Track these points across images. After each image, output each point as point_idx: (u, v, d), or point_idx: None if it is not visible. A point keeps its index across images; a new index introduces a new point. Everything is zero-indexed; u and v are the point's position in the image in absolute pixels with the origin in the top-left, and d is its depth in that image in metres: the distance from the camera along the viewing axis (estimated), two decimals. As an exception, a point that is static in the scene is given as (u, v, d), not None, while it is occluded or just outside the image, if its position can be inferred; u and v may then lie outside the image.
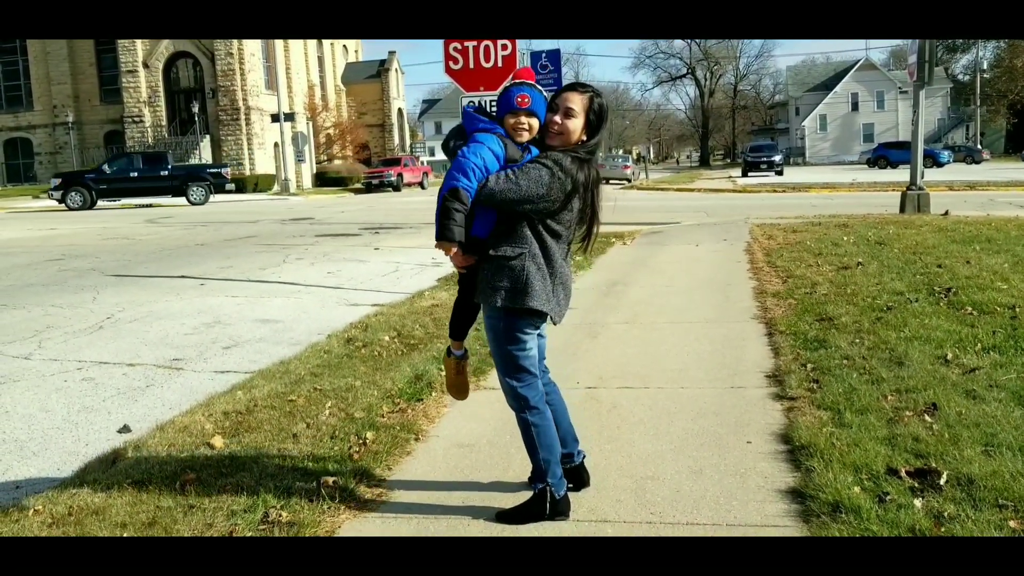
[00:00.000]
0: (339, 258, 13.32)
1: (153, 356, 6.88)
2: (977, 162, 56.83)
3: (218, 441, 4.36)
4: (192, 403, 5.33)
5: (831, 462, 3.56)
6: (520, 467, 3.96)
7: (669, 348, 6.19)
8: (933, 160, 48.17)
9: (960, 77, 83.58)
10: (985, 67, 76.12)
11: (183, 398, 5.63)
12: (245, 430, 4.54)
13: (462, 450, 4.22)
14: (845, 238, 11.45)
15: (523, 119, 3.23)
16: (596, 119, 3.27)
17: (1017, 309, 6.18)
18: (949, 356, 5.08)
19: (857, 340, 5.71)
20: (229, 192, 36.58)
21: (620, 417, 4.63)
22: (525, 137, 3.26)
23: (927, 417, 4.03)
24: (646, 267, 10.34)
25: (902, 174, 40.28)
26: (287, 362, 6.17)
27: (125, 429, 4.98)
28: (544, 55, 13.00)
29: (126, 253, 15.10)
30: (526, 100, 3.21)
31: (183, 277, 11.49)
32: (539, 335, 3.46)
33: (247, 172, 48.03)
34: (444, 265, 11.93)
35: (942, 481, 3.27)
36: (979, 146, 64.06)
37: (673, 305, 7.83)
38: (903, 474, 3.38)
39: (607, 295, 8.36)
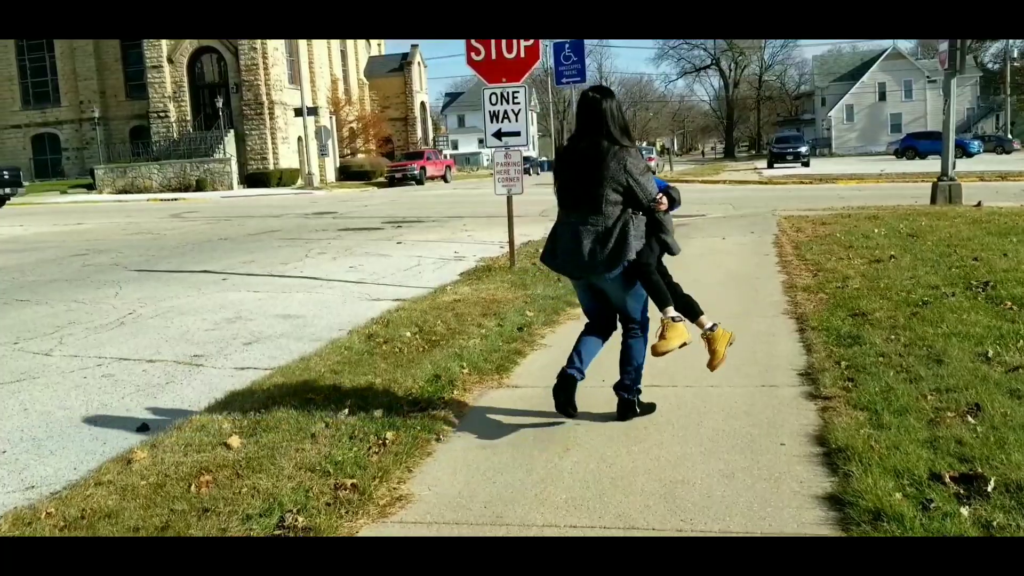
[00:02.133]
0: (361, 252, 13.25)
1: (173, 352, 6.82)
2: (1008, 152, 55.82)
3: (235, 441, 4.27)
4: (211, 400, 5.25)
5: (870, 466, 3.40)
6: (543, 468, 3.84)
7: (697, 344, 6.00)
8: (963, 150, 47.30)
9: (990, 66, 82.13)
10: (1015, 55, 74.70)
11: (202, 395, 5.55)
12: (263, 429, 4.44)
13: (484, 451, 4.10)
14: (876, 230, 11.19)
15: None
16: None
17: (1060, 304, 5.96)
18: (990, 353, 4.88)
19: (892, 336, 5.52)
20: (6, 197, 32.00)
21: (648, 417, 4.48)
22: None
23: (970, 418, 3.85)
24: (672, 261, 10.12)
25: (931, 165, 39.66)
26: (307, 359, 6.08)
27: (143, 428, 4.90)
28: (567, 45, 12.83)
29: (149, 248, 15.13)
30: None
31: (205, 272, 11.46)
32: (599, 292, 4.52)
33: (271, 166, 48.22)
34: (467, 259, 11.83)
35: (989, 488, 3.10)
36: (1009, 136, 62.86)
37: (700, 300, 7.60)
38: (947, 480, 3.21)
39: (632, 289, 8.20)
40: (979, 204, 15.63)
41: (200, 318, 8.23)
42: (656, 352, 4.23)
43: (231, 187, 44.82)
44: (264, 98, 48.81)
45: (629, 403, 4.51)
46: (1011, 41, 73.21)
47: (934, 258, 8.44)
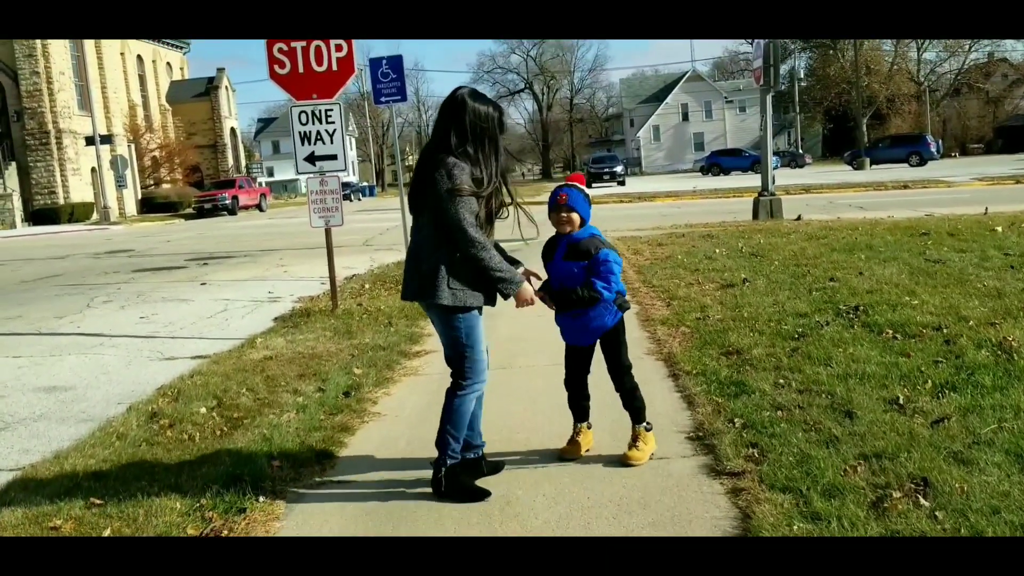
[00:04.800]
0: (157, 298, 11.51)
1: None
2: (800, 166, 59.62)
3: (-78, 619, 2.86)
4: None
5: (833, 592, 2.52)
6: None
7: (558, 401, 5.04)
8: (764, 166, 49.95)
9: (780, 86, 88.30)
10: (802, 76, 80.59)
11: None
12: (-28, 591, 3.05)
13: (301, 601, 2.91)
14: (716, 250, 10.79)
15: (562, 215, 3.91)
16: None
17: (945, 331, 5.45)
18: (901, 399, 4.22)
19: (782, 380, 4.79)
20: None
21: (517, 519, 3.45)
22: (567, 229, 3.93)
23: (922, 499, 3.08)
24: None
25: (735, 180, 41.63)
26: (64, 456, 4.63)
27: None
28: (385, 62, 11.75)
29: None
30: (563, 198, 3.91)
31: (-46, 334, 9.43)
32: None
33: (61, 200, 43.88)
34: (282, 300, 10.45)
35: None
36: (800, 151, 67.38)
37: (551, 341, 6.64)
38: (944, 611, 2.38)
39: (473, 331, 7.19)
40: (799, 218, 15.89)
41: (-66, 399, 6.46)
42: (630, 463, 3.92)
43: (14, 226, 40.26)
44: (50, 127, 44.53)
45: (438, 481, 3.74)
46: (797, 63, 79.08)
47: (789, 280, 7.97)
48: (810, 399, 4.39)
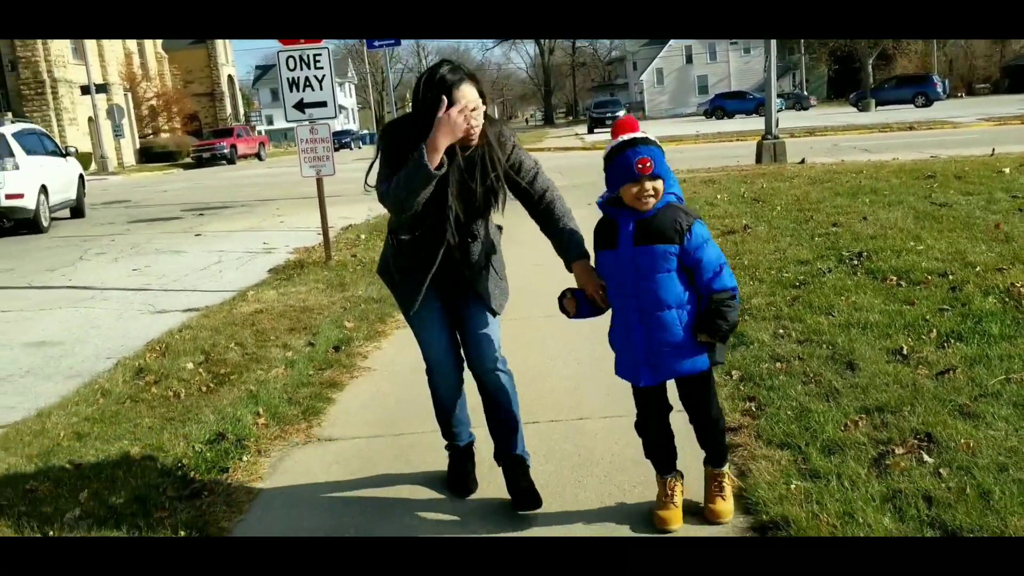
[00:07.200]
0: (151, 249, 11.36)
1: None
2: (805, 108, 58.65)
3: None
4: None
5: (829, 556, 2.40)
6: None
7: (553, 355, 4.96)
8: (768, 108, 49.23)
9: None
10: (807, 17, 78.92)
11: None
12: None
13: (280, 567, 2.82)
14: (718, 196, 10.56)
15: (647, 185, 2.73)
16: None
17: (951, 277, 5.28)
18: (905, 349, 4.08)
19: (781, 330, 4.65)
20: None
21: (502, 488, 3.34)
22: (651, 204, 2.77)
23: (926, 456, 2.96)
24: (511, 240, 8.97)
25: (740, 124, 40.97)
26: (46, 414, 4.55)
27: None
28: (376, 4, 11.38)
29: None
30: (648, 165, 2.70)
31: (-56, 288, 9.32)
32: None
33: (58, 151, 43.52)
34: (277, 251, 10.30)
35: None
36: (805, 92, 66.28)
37: (547, 291, 6.53)
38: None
39: (468, 281, 7.04)
40: (803, 161, 15.60)
41: (-81, 356, 6.36)
42: (721, 520, 2.88)
43: (11, 177, 39.93)
44: (45, 76, 43.81)
45: None
46: (802, 4, 77.38)
47: (791, 226, 7.77)
48: (810, 350, 4.25)
